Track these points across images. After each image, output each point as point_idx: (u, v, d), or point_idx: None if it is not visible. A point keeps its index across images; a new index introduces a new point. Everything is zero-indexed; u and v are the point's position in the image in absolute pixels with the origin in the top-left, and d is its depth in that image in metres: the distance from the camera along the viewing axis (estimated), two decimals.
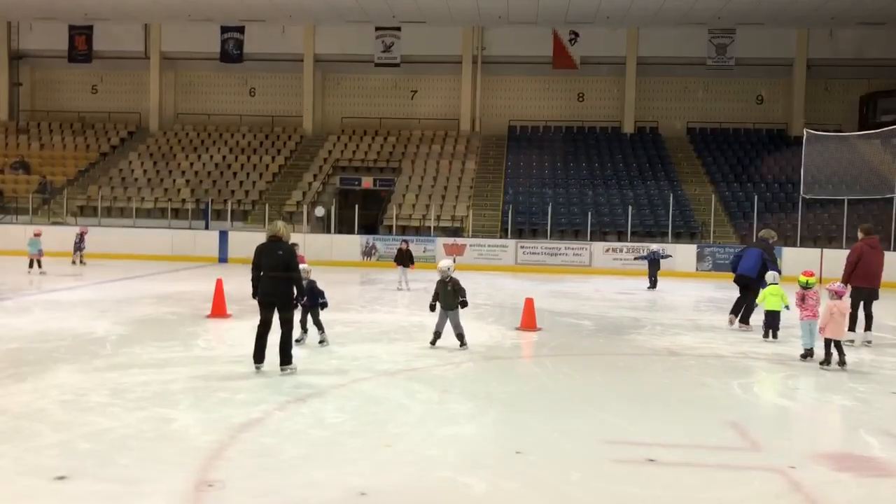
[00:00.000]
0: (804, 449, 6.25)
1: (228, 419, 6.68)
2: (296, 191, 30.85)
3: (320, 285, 10.44)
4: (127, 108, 37.80)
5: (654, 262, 20.51)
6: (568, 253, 25.66)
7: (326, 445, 6.07)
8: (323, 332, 10.36)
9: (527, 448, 6.10)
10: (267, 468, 5.49)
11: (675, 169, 32.37)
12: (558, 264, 25.41)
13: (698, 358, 10.39)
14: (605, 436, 6.53)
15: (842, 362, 9.35)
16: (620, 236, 26.97)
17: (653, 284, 20.30)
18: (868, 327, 11.52)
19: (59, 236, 24.29)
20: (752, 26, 33.31)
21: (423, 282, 19.87)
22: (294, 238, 19.98)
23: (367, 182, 31.97)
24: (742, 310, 12.94)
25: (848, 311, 9.28)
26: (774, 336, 11.62)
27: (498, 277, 22.74)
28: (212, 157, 33.88)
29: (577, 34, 34.86)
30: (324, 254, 25.40)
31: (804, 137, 23.15)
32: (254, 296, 8.65)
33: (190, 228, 27.99)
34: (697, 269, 25.10)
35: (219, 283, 13.18)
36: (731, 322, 13.01)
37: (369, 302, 16.15)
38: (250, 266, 8.67)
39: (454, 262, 10.84)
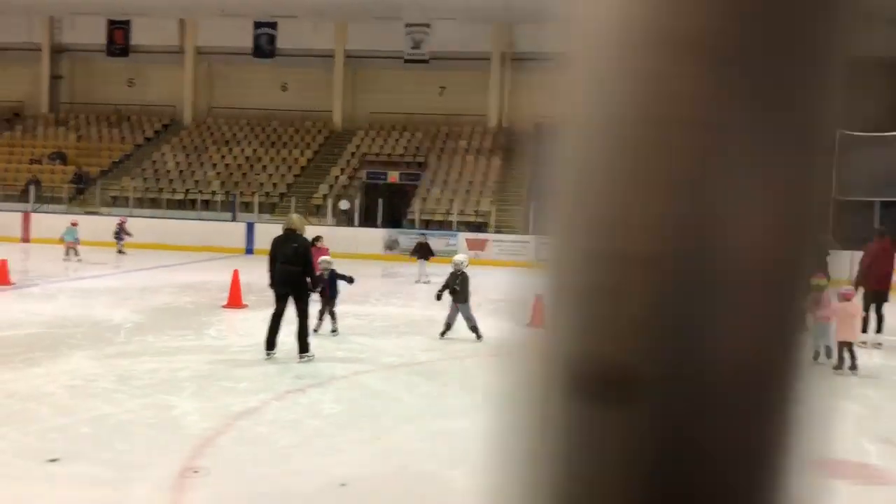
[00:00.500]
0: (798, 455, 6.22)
1: (227, 407, 6.85)
2: (323, 184, 31.14)
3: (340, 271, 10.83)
4: (162, 101, 38.39)
5: None
6: None
7: (318, 436, 6.21)
8: (335, 321, 10.67)
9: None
10: (255, 456, 5.65)
11: None
12: None
13: None
14: None
15: (853, 367, 9.26)
16: None
17: None
18: (879, 329, 11.39)
19: (91, 226, 24.77)
20: None
21: (443, 276, 20.01)
22: (318, 230, 20.30)
23: (392, 176, 32.12)
24: None
25: (859, 313, 9.18)
26: None
27: (519, 273, 22.72)
28: (242, 150, 34.31)
29: None
30: (347, 247, 25.53)
31: (837, 138, 22.72)
32: (270, 285, 9.03)
33: (218, 220, 28.40)
34: None
35: (235, 274, 13.42)
36: None
37: (385, 295, 16.30)
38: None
39: (468, 258, 10.96)
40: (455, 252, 24.11)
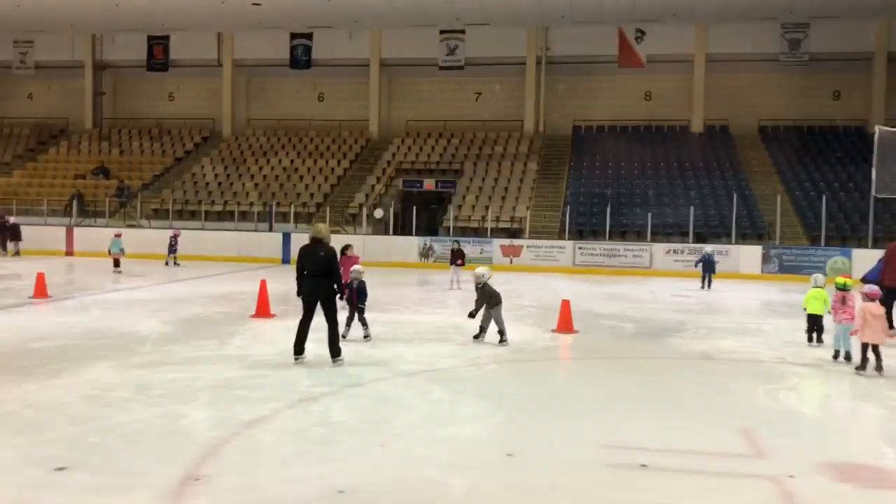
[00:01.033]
0: (811, 458, 6.02)
1: (237, 416, 6.89)
2: (359, 193, 31.34)
3: (371, 287, 11.13)
4: (201, 115, 39.11)
5: (708, 264, 20.24)
6: (627, 254, 25.25)
7: (323, 444, 6.20)
8: (367, 328, 10.92)
9: (520, 450, 6.10)
10: (258, 464, 5.67)
11: (744, 168, 31.45)
12: (617, 266, 25.02)
13: (732, 363, 10.12)
14: (606, 440, 6.46)
15: (878, 367, 8.97)
16: (684, 237, 26.36)
17: (707, 286, 20.00)
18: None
19: (132, 238, 25.29)
20: (827, 19, 32.08)
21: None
22: (351, 240, 20.43)
23: (428, 184, 32.17)
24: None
25: (883, 313, 8.87)
26: (819, 340, 11.21)
27: (552, 279, 22.56)
28: (280, 161, 34.74)
29: (643, 32, 34.22)
30: (382, 255, 25.73)
31: (876, 134, 22.15)
32: (298, 294, 9.23)
33: (255, 231, 28.78)
34: (763, 271, 24.33)
35: (262, 284, 13.55)
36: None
37: (414, 303, 16.30)
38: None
39: (489, 270, 10.94)
40: (485, 262, 24.16)
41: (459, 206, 29.65)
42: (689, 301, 17.69)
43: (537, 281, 21.62)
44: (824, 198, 26.33)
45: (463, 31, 35.27)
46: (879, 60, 33.21)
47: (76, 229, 28.91)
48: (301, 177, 33.44)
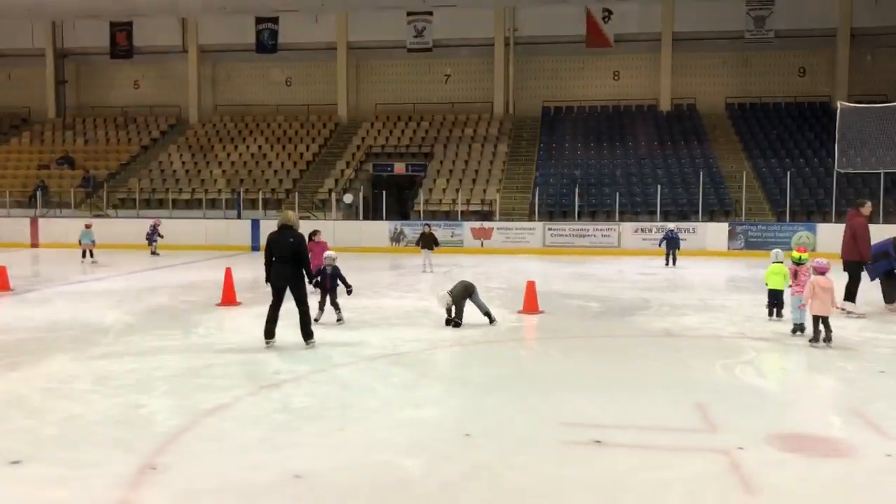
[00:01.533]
0: (760, 430, 6.13)
1: (198, 405, 6.88)
2: (328, 178, 31.19)
3: (344, 272, 11.18)
4: (167, 102, 38.61)
5: (672, 241, 20.63)
6: (596, 234, 25.44)
7: (282, 429, 6.22)
8: (339, 311, 11.10)
9: (478, 431, 6.16)
10: (216, 451, 5.67)
11: (711, 146, 31.73)
12: (586, 246, 25.20)
13: (693, 339, 10.28)
14: (564, 418, 6.54)
15: (827, 338, 9.19)
16: (652, 216, 26.59)
17: (672, 263, 20.38)
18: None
19: (99, 228, 24.95)
20: None
21: (448, 265, 20.03)
22: (321, 225, 20.37)
23: (399, 167, 32.10)
24: None
25: (831, 286, 9.06)
26: (779, 315, 11.40)
27: (522, 261, 22.65)
28: (248, 147, 34.45)
29: (610, 11, 34.30)
30: (353, 240, 25.68)
31: (838, 110, 22.47)
32: (267, 280, 9.28)
33: (224, 218, 28.56)
34: (729, 248, 24.63)
35: (227, 272, 13.49)
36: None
37: (384, 287, 16.29)
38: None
39: (449, 293, 10.91)
40: (461, 244, 24.31)
41: (430, 190, 29.63)
42: (655, 279, 17.88)
43: (508, 263, 21.71)
44: (789, 174, 26.68)
45: (430, 13, 35.07)
46: (843, 36, 33.57)
47: (41, 220, 28.50)
48: (269, 163, 33.19)
